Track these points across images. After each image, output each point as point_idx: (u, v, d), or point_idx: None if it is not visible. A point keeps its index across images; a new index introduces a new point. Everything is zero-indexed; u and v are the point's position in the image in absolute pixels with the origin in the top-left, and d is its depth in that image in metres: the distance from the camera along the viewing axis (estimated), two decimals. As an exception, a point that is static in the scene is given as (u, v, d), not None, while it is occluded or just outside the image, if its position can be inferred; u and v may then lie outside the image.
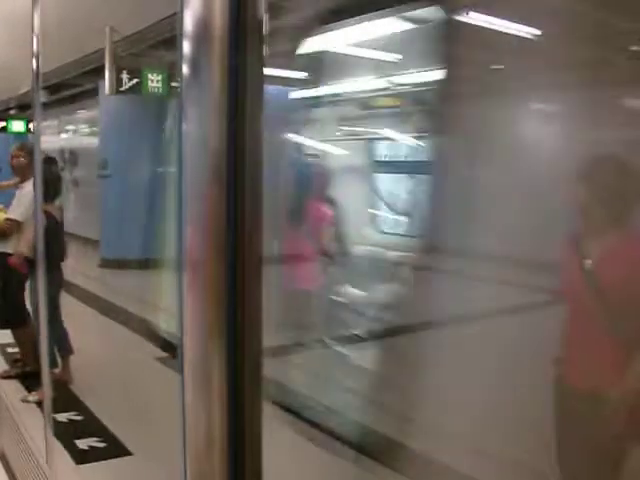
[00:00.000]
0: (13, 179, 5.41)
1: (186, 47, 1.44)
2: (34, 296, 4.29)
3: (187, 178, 1.48)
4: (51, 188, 5.09)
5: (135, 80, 8.34)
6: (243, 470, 1.50)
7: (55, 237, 5.09)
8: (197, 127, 1.45)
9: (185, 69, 1.46)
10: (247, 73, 1.41)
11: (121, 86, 8.25)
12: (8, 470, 3.74)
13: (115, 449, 3.97)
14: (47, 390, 3.28)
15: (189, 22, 1.43)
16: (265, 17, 1.42)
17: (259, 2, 1.42)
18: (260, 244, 1.46)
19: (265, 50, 1.43)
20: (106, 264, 10.72)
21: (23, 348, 5.21)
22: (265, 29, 1.42)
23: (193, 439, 1.53)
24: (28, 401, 4.56)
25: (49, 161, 6.46)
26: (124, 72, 8.22)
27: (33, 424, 3.43)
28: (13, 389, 4.82)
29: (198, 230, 1.47)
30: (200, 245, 1.47)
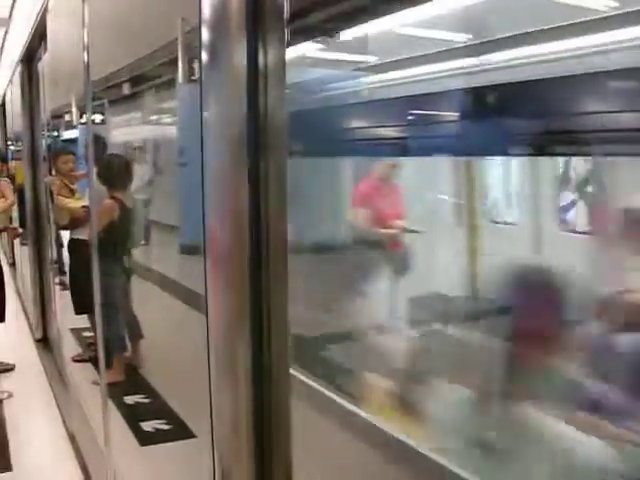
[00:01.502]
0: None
1: (204, 33, 1.42)
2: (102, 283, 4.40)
3: (208, 165, 1.46)
4: (121, 176, 5.21)
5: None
6: (270, 453, 1.49)
7: (124, 224, 5.20)
8: (217, 114, 1.43)
9: (204, 55, 1.44)
10: (268, 58, 1.37)
11: (193, 75, 8.34)
12: (77, 452, 3.88)
13: (179, 432, 4.04)
14: (102, 375, 3.36)
15: (207, 8, 1.40)
16: (286, 2, 1.38)
17: (279, -16, 1.38)
18: (284, 232, 1.43)
19: (287, 34, 1.39)
20: (185, 250, 10.95)
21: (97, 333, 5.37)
22: (286, 12, 1.38)
23: (220, 420, 1.53)
24: (99, 383, 4.70)
25: (134, 150, 6.60)
26: (195, 61, 8.32)
27: (97, 407, 3.52)
28: (85, 372, 4.98)
29: (220, 217, 1.46)
30: (222, 232, 1.45)
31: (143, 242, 5.60)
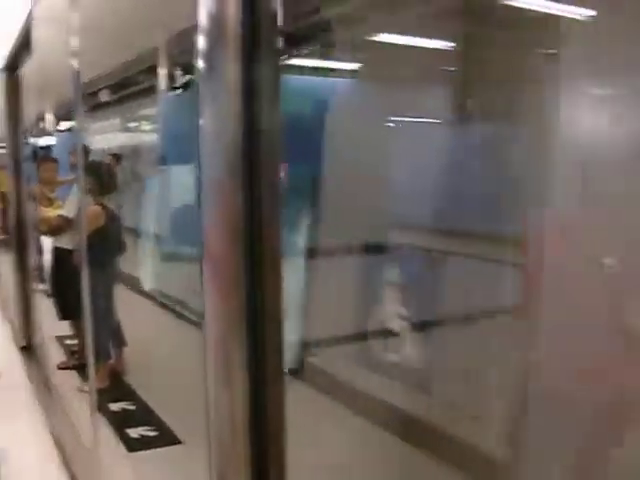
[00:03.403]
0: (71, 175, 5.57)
1: (201, 42, 1.46)
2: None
3: (204, 171, 1.50)
4: (106, 183, 5.22)
5: (188, 76, 8.47)
6: (266, 454, 1.52)
7: (111, 231, 5.21)
8: (213, 121, 1.47)
9: (201, 64, 1.47)
10: (262, 66, 1.41)
11: (174, 83, 8.39)
12: (63, 458, 3.87)
13: (166, 438, 4.06)
14: (91, 382, 3.37)
15: (204, 16, 1.44)
16: (280, 10, 1.43)
17: (273, -5, 1.43)
18: (277, 236, 1.47)
19: (280, 42, 1.44)
20: (165, 257, 10.92)
21: (80, 340, 5.37)
22: (280, 21, 1.42)
23: (216, 422, 1.56)
24: (84, 391, 4.70)
25: (115, 157, 6.63)
26: (177, 69, 8.37)
27: (84, 413, 3.53)
28: (69, 379, 4.97)
29: (215, 222, 1.49)
30: (218, 237, 1.49)
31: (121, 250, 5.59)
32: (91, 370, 3.36)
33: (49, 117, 5.99)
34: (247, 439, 1.50)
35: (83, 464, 3.44)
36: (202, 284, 1.51)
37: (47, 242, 5.96)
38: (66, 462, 3.79)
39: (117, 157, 6.89)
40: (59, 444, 4.02)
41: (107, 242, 5.05)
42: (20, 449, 4.08)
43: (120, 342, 5.38)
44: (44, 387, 4.95)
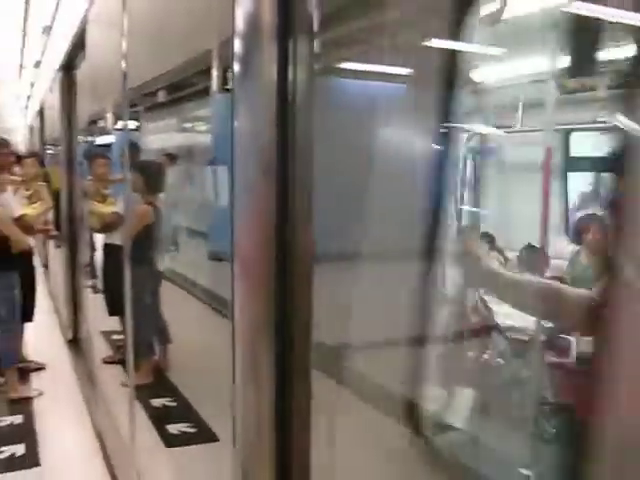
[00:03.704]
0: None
1: (237, 44, 1.47)
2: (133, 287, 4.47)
3: (237, 173, 1.51)
4: (156, 182, 5.30)
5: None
6: (291, 456, 1.52)
7: (158, 229, 5.29)
8: (247, 123, 1.48)
9: (236, 66, 1.49)
10: (297, 69, 1.42)
11: (226, 84, 8.45)
12: (104, 451, 3.95)
13: (204, 435, 4.10)
14: (130, 377, 3.42)
15: (240, 19, 1.46)
16: (316, 12, 1.43)
17: (309, -1, 1.43)
18: (311, 241, 1.47)
19: (316, 45, 1.44)
20: (213, 256, 11.06)
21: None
22: (316, 24, 1.43)
23: (243, 420, 1.57)
24: (127, 385, 4.78)
25: (169, 157, 6.74)
26: (229, 70, 8.43)
27: (125, 408, 3.59)
28: (114, 374, 5.06)
29: (247, 225, 1.51)
30: (249, 239, 1.50)
31: (173, 248, 5.69)
32: (130, 366, 3.42)
33: (107, 116, 6.09)
34: (272, 436, 1.50)
35: (121, 458, 3.50)
36: (232, 284, 1.52)
37: (99, 238, 6.09)
38: (106, 455, 3.87)
39: (171, 157, 7.00)
40: (100, 437, 4.11)
41: (154, 240, 5.13)
42: (62, 441, 4.19)
43: (165, 339, 5.45)
44: (89, 380, 5.05)
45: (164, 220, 5.59)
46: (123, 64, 2.87)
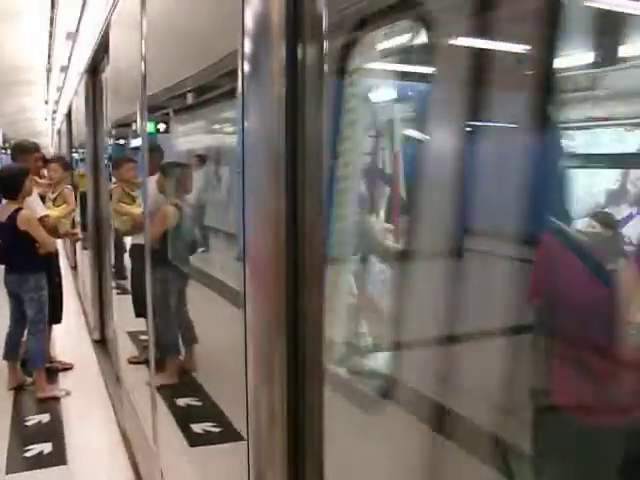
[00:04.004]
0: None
1: (246, 44, 1.48)
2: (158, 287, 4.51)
3: (247, 173, 1.52)
4: (180, 184, 5.34)
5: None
6: (304, 453, 1.53)
7: (183, 231, 5.32)
8: (257, 123, 1.49)
9: (245, 65, 1.50)
10: (306, 69, 1.42)
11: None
12: (129, 450, 3.99)
13: (229, 434, 4.11)
14: (152, 377, 3.44)
15: (249, 19, 1.46)
16: (325, 12, 1.43)
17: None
18: (322, 241, 1.47)
19: (326, 45, 1.44)
20: (239, 257, 11.12)
21: (152, 336, 5.50)
22: (325, 24, 1.42)
23: (256, 421, 1.58)
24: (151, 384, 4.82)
25: (199, 158, 6.76)
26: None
27: (149, 407, 3.62)
28: (140, 374, 5.11)
29: (258, 225, 1.51)
30: (260, 239, 1.51)
31: (203, 248, 5.72)
32: (152, 366, 3.45)
33: (134, 119, 6.15)
34: (285, 434, 1.51)
35: (145, 456, 3.53)
36: (244, 284, 1.52)
37: (126, 240, 6.14)
38: (131, 454, 3.91)
39: (202, 158, 7.03)
40: (125, 436, 4.15)
41: (179, 242, 5.16)
42: (88, 440, 4.24)
43: (191, 340, 5.47)
44: (115, 380, 5.11)
45: (193, 221, 5.62)
46: (142, 67, 2.89)
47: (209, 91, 3.01)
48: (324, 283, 1.46)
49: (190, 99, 3.57)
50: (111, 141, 6.17)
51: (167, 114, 4.05)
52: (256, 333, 1.53)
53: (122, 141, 6.27)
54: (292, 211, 1.45)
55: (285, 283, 1.46)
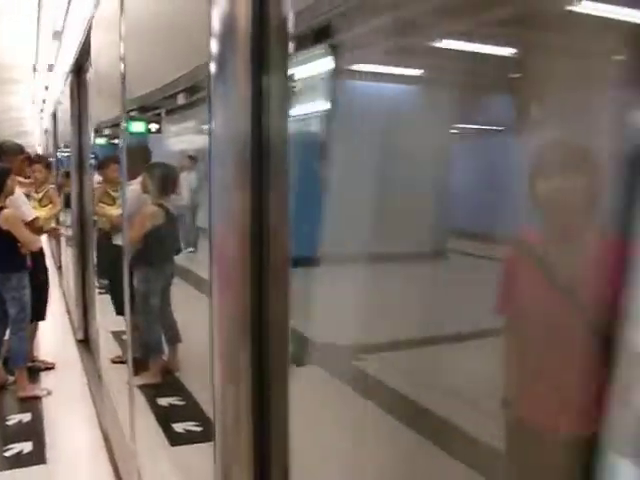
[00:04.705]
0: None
1: (213, 45, 1.49)
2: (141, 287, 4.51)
3: (214, 173, 1.53)
4: (165, 184, 5.33)
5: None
6: (269, 452, 1.54)
7: (168, 231, 5.31)
8: (223, 123, 1.50)
9: (212, 66, 1.51)
10: (271, 70, 1.43)
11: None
12: (109, 450, 4.00)
13: (210, 433, 4.12)
14: (130, 377, 3.45)
15: (216, 20, 1.48)
16: (290, 15, 1.45)
17: (284, 0, 1.45)
18: (286, 240, 1.49)
19: (291, 46, 1.46)
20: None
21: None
22: (290, 26, 1.44)
23: (222, 418, 1.59)
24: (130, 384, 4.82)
25: (191, 159, 6.76)
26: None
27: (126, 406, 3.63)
28: (121, 373, 5.12)
29: (224, 225, 1.52)
30: (226, 240, 1.52)
31: (191, 249, 5.72)
32: (130, 366, 3.46)
33: (118, 119, 6.15)
34: (251, 435, 1.52)
35: (124, 456, 3.54)
36: (210, 285, 1.54)
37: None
38: (111, 454, 3.91)
39: (192, 159, 7.03)
40: (106, 436, 4.15)
41: (163, 241, 5.16)
42: (69, 440, 4.24)
43: (174, 339, 5.47)
44: (98, 380, 5.11)
45: (180, 221, 5.63)
46: (122, 67, 2.91)
47: (184, 92, 3.02)
48: (289, 282, 1.48)
49: (168, 100, 3.58)
50: (96, 141, 6.16)
51: (149, 114, 4.07)
52: (222, 332, 1.54)
53: (105, 141, 6.27)
54: (258, 211, 1.47)
55: (250, 282, 1.48)
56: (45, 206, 6.36)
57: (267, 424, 1.53)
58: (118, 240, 5.46)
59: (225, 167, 1.50)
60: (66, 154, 8.60)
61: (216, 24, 1.47)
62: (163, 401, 4.65)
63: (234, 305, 1.51)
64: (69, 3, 6.47)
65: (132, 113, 3.57)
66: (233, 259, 1.50)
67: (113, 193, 5.94)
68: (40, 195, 6.40)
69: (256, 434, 1.53)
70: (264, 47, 1.44)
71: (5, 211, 4.93)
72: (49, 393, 5.02)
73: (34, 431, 4.36)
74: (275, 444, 1.53)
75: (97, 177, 5.92)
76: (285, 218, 1.47)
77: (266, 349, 1.50)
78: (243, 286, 1.48)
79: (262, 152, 1.45)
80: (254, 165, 1.45)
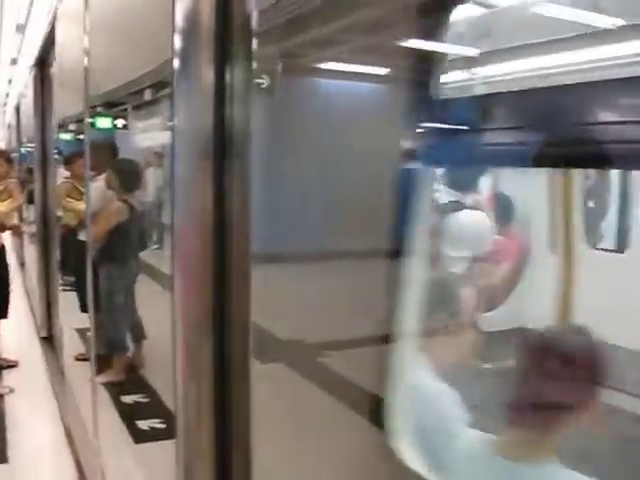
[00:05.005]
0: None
1: (176, 40, 1.49)
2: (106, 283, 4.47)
3: (176, 169, 1.53)
4: (130, 180, 5.29)
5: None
6: (231, 448, 1.55)
7: (133, 227, 5.27)
8: (186, 119, 1.50)
9: (176, 62, 1.51)
10: (234, 66, 1.44)
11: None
12: (72, 448, 3.96)
13: (164, 431, 4.10)
14: (93, 375, 3.43)
15: (179, 16, 1.48)
16: (254, 12, 1.45)
17: (247, -3, 1.45)
18: (247, 235, 1.49)
19: (254, 43, 1.46)
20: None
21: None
22: (254, 23, 1.45)
23: (183, 416, 1.59)
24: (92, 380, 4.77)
25: (157, 155, 6.71)
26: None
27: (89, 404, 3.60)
28: (84, 370, 5.07)
29: (185, 223, 1.52)
30: (187, 237, 1.52)
31: (156, 245, 5.68)
32: (92, 363, 3.43)
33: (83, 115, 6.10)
34: (212, 431, 1.52)
35: (88, 454, 3.51)
36: (171, 282, 1.54)
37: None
38: (74, 452, 3.88)
39: (159, 155, 6.98)
40: (69, 434, 4.11)
41: (128, 238, 5.12)
42: (32, 438, 4.19)
43: (139, 337, 5.43)
44: (61, 377, 5.05)
45: (145, 218, 5.58)
46: (86, 61, 2.88)
47: (150, 88, 3.00)
48: (250, 280, 1.48)
49: (134, 95, 3.56)
50: (60, 136, 6.08)
51: (114, 110, 4.03)
52: (183, 329, 1.54)
53: (71, 136, 6.19)
54: (220, 207, 1.47)
55: (212, 279, 1.48)
56: (4, 200, 6.25)
57: (229, 421, 1.53)
58: (83, 236, 5.41)
59: (187, 163, 1.50)
60: (30, 149, 8.48)
61: (179, 20, 1.47)
62: (127, 398, 4.62)
63: (195, 302, 1.51)
64: (33, -5, 6.38)
65: (97, 109, 3.54)
66: (195, 255, 1.50)
67: (82, 188, 5.87)
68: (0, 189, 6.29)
69: (218, 431, 1.53)
70: (227, 43, 1.44)
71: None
72: (11, 391, 4.95)
73: (-4, 430, 4.30)
74: (237, 441, 1.53)
75: (64, 172, 5.85)
76: (247, 214, 1.47)
77: (228, 346, 1.51)
78: (204, 283, 1.48)
79: (225, 148, 1.46)
80: (216, 161, 1.45)
